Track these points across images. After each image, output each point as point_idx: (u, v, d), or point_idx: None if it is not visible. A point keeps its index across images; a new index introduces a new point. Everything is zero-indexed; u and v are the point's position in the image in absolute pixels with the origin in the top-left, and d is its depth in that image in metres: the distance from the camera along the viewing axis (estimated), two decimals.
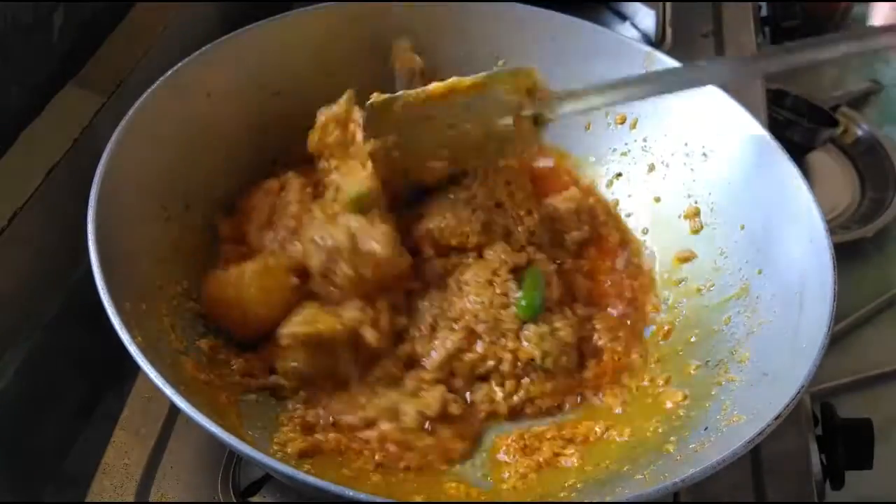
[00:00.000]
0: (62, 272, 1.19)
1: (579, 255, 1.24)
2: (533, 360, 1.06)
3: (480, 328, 1.06)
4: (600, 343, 1.13)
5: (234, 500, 1.04)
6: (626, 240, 1.26)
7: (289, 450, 0.97)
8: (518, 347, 1.06)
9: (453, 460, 1.00)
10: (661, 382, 1.09)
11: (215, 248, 1.15)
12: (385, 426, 0.98)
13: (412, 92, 1.06)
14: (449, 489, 0.97)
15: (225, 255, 1.14)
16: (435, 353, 1.05)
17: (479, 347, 1.06)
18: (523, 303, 1.08)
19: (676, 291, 1.20)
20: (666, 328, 1.16)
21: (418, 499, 0.95)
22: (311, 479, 0.80)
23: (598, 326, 1.15)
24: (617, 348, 1.13)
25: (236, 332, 1.06)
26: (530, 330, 1.07)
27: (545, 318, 1.09)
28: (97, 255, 0.92)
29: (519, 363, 1.06)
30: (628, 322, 1.17)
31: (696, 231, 1.21)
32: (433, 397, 1.01)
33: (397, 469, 0.98)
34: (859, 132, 2.09)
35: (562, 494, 0.96)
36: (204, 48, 1.18)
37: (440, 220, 1.11)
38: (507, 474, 1.00)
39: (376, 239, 1.03)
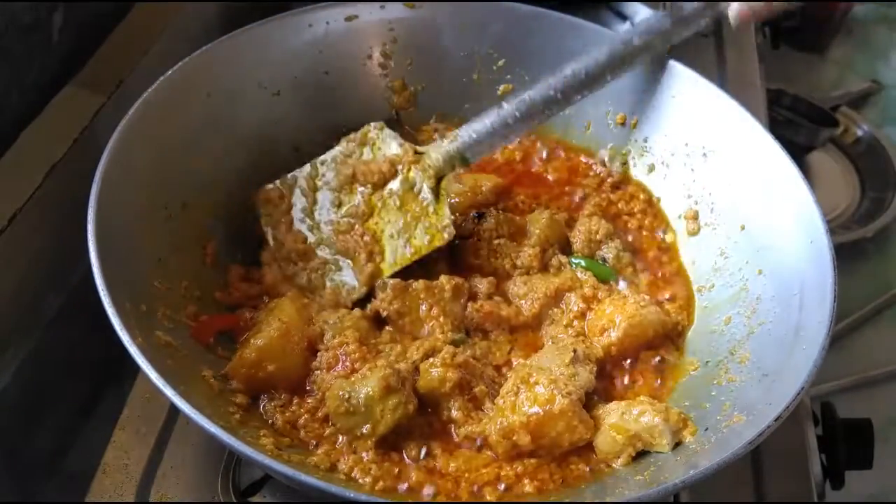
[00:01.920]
0: (62, 272, 1.19)
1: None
2: None
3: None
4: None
5: (234, 500, 1.04)
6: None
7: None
8: None
9: None
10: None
11: (214, 251, 1.15)
12: None
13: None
14: None
15: (234, 289, 1.14)
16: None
17: None
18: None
19: None
20: None
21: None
22: (311, 480, 0.80)
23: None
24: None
25: (268, 390, 1.03)
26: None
27: None
28: (97, 255, 0.92)
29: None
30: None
31: (695, 232, 1.22)
32: None
33: None
34: (859, 132, 2.10)
35: (563, 493, 0.96)
36: (204, 48, 1.18)
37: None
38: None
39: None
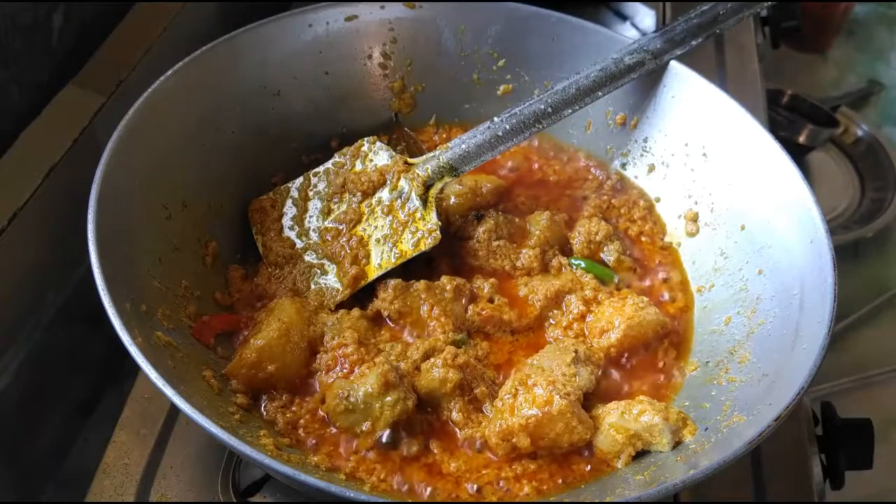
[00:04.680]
0: (62, 272, 1.19)
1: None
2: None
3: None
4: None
5: (234, 500, 1.04)
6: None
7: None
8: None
9: None
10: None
11: (215, 251, 1.15)
12: None
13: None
14: None
15: (234, 289, 1.14)
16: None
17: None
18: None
19: None
20: None
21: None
22: (311, 480, 0.80)
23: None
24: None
25: (268, 390, 1.03)
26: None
27: None
28: (97, 255, 0.92)
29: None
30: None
31: (695, 232, 1.22)
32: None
33: None
34: (859, 132, 2.10)
35: (563, 493, 0.96)
36: (204, 48, 1.18)
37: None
38: None
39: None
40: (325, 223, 1.19)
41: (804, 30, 1.98)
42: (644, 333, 1.08)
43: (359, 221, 1.18)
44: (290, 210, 1.21)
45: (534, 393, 0.96)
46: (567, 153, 1.36)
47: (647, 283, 1.20)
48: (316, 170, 1.23)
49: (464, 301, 1.11)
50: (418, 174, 1.16)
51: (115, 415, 1.12)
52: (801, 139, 1.93)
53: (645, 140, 1.29)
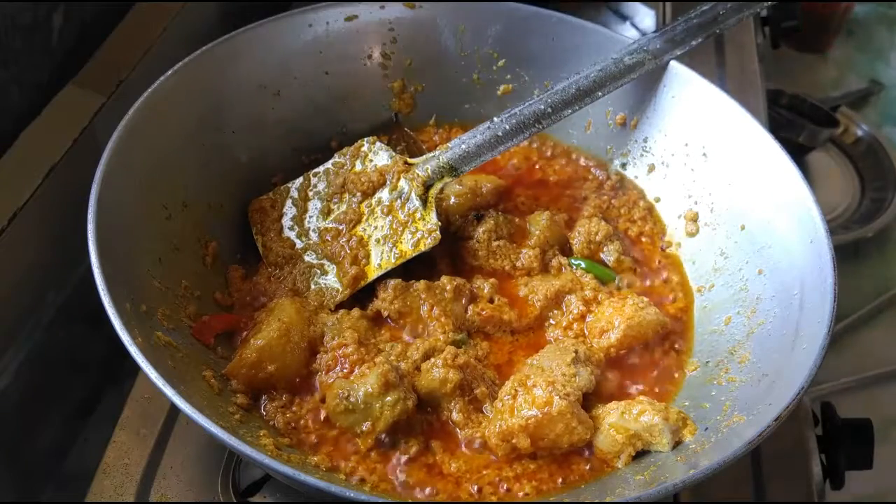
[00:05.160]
0: (62, 272, 1.19)
1: None
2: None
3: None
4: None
5: (234, 500, 1.04)
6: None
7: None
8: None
9: None
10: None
11: (215, 251, 1.15)
12: None
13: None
14: None
15: (234, 289, 1.15)
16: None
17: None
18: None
19: None
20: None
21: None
22: (311, 480, 0.80)
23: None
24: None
25: (268, 390, 1.03)
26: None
27: None
28: (97, 255, 0.92)
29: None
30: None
31: (695, 232, 1.22)
32: None
33: None
34: (859, 132, 2.09)
35: (563, 493, 0.96)
36: (204, 48, 1.18)
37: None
38: None
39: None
40: (325, 223, 1.19)
41: (804, 30, 1.98)
42: (644, 333, 1.08)
43: (359, 221, 1.18)
44: (289, 210, 1.21)
45: (533, 394, 0.96)
46: (567, 153, 1.36)
47: (647, 283, 1.20)
48: (316, 170, 1.23)
49: (464, 301, 1.11)
50: (418, 174, 1.16)
51: (115, 415, 1.12)
52: (801, 139, 1.92)
53: (645, 140, 1.29)
